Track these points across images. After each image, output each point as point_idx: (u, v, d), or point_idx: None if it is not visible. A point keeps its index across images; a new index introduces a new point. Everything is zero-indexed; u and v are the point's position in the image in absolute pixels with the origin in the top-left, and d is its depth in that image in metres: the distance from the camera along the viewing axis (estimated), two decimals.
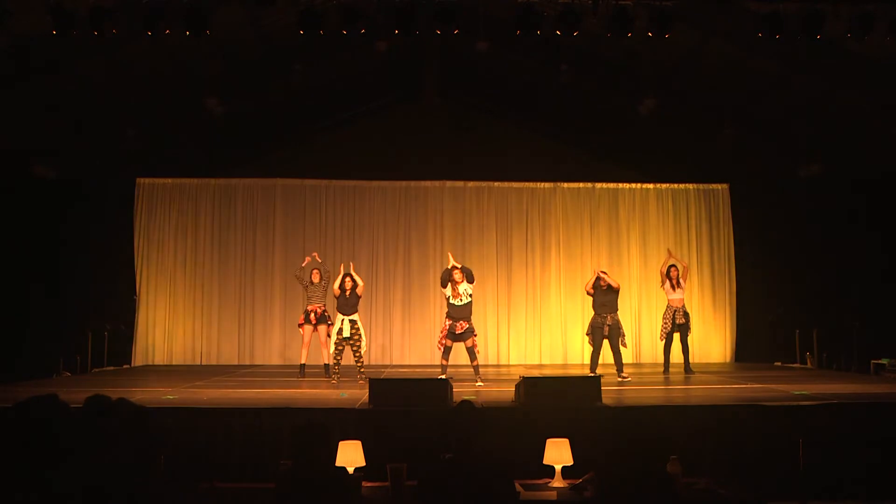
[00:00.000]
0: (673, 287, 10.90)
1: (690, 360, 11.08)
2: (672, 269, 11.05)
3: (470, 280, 9.52)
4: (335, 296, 9.93)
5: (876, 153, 11.62)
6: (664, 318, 10.92)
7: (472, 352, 9.49)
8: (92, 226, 12.83)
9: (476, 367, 9.52)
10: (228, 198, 14.27)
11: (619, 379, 9.60)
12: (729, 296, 14.45)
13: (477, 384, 9.14)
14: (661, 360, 11.15)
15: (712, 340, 14.21)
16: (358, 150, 14.08)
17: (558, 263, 14.41)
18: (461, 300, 9.39)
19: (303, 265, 11.03)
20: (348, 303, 9.76)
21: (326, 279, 10.61)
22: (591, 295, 10.15)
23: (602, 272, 10.21)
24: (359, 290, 9.94)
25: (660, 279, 11.19)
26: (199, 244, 14.13)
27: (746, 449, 6.41)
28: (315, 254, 11.10)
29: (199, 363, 13.63)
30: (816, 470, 5.67)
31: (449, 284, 9.51)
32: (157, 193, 14.16)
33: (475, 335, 9.59)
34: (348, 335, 9.63)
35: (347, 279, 9.89)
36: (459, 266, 9.70)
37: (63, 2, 8.20)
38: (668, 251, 11.75)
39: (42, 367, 11.04)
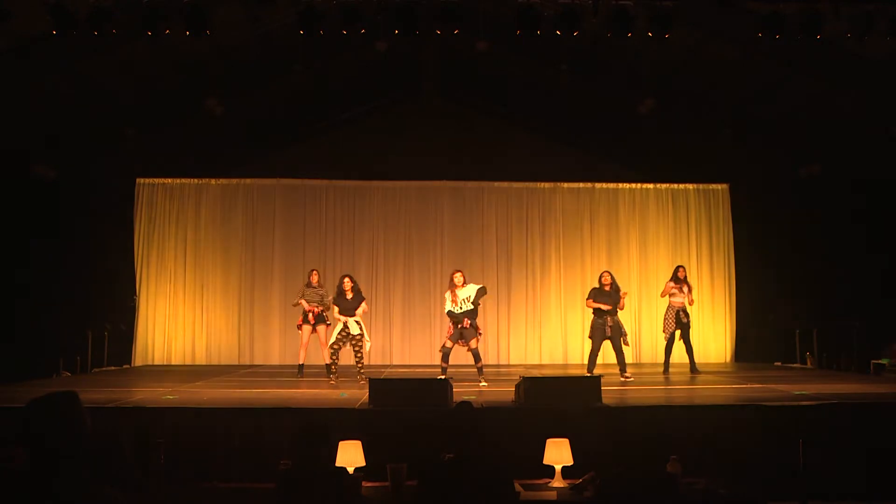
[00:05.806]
0: (680, 288, 10.83)
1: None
2: (680, 269, 11.02)
3: (476, 294, 9.43)
4: (333, 298, 9.91)
5: (876, 153, 11.62)
6: (666, 316, 10.84)
7: (476, 353, 9.48)
8: (92, 226, 12.82)
9: (480, 368, 9.51)
10: (228, 198, 14.26)
11: (623, 379, 9.59)
12: (729, 296, 14.43)
13: (481, 384, 9.13)
14: (660, 360, 11.14)
15: (712, 340, 14.18)
16: (358, 150, 14.08)
17: (558, 263, 14.40)
18: (460, 308, 9.38)
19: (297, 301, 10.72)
20: (350, 304, 9.77)
21: (325, 291, 10.55)
22: (592, 298, 10.01)
23: (606, 272, 10.20)
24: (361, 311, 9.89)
25: (661, 291, 11.10)
26: (199, 244, 14.12)
27: (746, 449, 6.40)
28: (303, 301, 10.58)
29: (199, 363, 13.62)
30: (816, 470, 5.66)
31: (448, 291, 9.53)
32: (157, 193, 14.15)
33: (479, 336, 9.56)
34: (358, 332, 9.63)
35: (346, 280, 9.89)
36: (461, 270, 9.73)
37: (63, 2, 8.20)
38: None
39: (42, 367, 11.04)
